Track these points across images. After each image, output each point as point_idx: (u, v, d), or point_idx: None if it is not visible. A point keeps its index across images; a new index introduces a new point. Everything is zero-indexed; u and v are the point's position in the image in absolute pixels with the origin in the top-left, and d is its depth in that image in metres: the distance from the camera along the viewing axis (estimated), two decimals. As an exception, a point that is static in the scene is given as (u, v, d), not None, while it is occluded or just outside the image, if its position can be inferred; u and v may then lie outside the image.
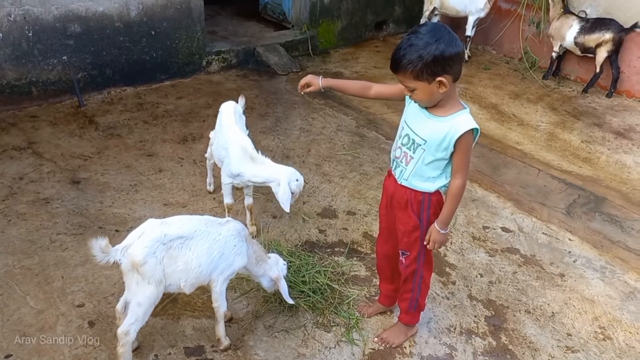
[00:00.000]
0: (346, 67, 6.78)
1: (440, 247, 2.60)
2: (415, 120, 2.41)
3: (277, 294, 3.03)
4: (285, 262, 2.90)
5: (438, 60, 2.14)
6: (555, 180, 4.65)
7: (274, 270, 2.79)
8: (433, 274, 3.37)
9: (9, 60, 4.77)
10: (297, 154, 4.67)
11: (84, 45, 5.15)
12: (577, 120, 5.80)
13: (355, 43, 7.61)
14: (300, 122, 5.25)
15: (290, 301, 2.80)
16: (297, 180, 3.14)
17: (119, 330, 2.40)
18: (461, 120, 2.30)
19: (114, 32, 5.30)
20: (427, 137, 2.36)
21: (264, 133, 4.98)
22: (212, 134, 3.68)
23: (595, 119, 5.82)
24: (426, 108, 2.37)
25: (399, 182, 2.53)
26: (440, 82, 2.19)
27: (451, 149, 2.34)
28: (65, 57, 5.04)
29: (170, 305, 2.95)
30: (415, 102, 2.34)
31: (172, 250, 2.40)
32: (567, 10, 6.43)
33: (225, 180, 3.36)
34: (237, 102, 3.69)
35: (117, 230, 3.48)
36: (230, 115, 3.42)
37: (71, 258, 3.23)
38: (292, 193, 3.11)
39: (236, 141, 3.26)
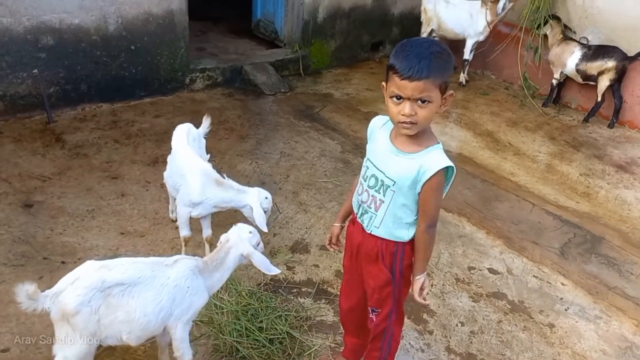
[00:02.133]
0: (337, 89, 6.51)
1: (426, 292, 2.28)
2: (382, 158, 2.11)
3: (226, 342, 2.72)
4: (250, 232, 2.52)
5: (451, 73, 1.99)
6: (550, 217, 4.33)
7: (241, 248, 2.42)
8: (408, 320, 3.07)
9: (-26, 72, 4.53)
10: (274, 180, 4.37)
11: (57, 59, 4.90)
12: (576, 151, 5.50)
13: (349, 64, 7.35)
14: (282, 146, 4.97)
15: (276, 271, 2.44)
16: (266, 198, 2.96)
17: None
18: (434, 157, 2.00)
19: (91, 46, 5.05)
20: (396, 177, 2.05)
21: (241, 156, 4.69)
22: (169, 158, 3.39)
23: (595, 151, 5.51)
24: (394, 145, 2.06)
25: (369, 231, 2.19)
26: (449, 97, 1.96)
27: (419, 189, 2.03)
28: (36, 71, 4.79)
29: (107, 352, 2.63)
30: (408, 127, 1.95)
31: (111, 299, 2.10)
32: (567, 37, 6.16)
33: (182, 210, 3.07)
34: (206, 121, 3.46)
35: (63, 262, 3.18)
36: (183, 139, 3.14)
37: (5, 293, 2.92)
38: (265, 212, 2.91)
39: (195, 166, 2.97)
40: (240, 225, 2.53)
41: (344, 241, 2.45)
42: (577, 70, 6.03)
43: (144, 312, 2.14)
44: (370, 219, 2.17)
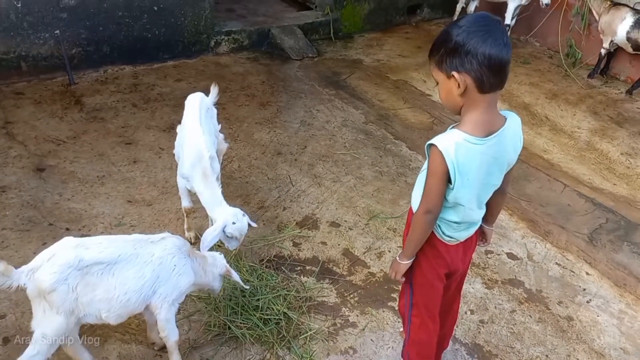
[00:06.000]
0: (368, 54, 6.25)
1: (398, 277, 2.15)
2: None
3: (220, 320, 2.66)
4: (220, 253, 2.54)
5: (460, 50, 1.71)
6: (582, 199, 4.05)
7: (219, 267, 2.46)
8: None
9: (-4, 32, 4.52)
10: (291, 151, 4.24)
11: (79, 19, 4.85)
12: (620, 127, 5.11)
13: (383, 28, 7.05)
14: (303, 114, 4.80)
15: (246, 287, 2.56)
16: (234, 223, 2.67)
17: None
18: (443, 134, 1.83)
19: (112, 6, 4.97)
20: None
21: (260, 124, 4.57)
22: (179, 129, 3.29)
23: (641, 128, 5.12)
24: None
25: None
26: (453, 79, 1.74)
27: None
28: (57, 31, 4.75)
29: (100, 326, 2.59)
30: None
31: (89, 277, 2.06)
32: (616, 2, 5.66)
33: (179, 181, 2.99)
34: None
35: (67, 229, 3.17)
36: (195, 110, 3.02)
37: (9, 258, 2.92)
38: (230, 237, 2.69)
39: (194, 143, 2.86)
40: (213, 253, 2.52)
41: None
42: (628, 39, 5.56)
43: (124, 289, 2.09)
44: None
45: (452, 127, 1.85)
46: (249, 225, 2.77)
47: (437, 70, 1.81)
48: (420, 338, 2.30)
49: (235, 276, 2.46)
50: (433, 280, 2.15)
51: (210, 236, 2.58)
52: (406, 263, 2.08)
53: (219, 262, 2.45)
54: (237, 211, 2.71)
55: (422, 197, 1.92)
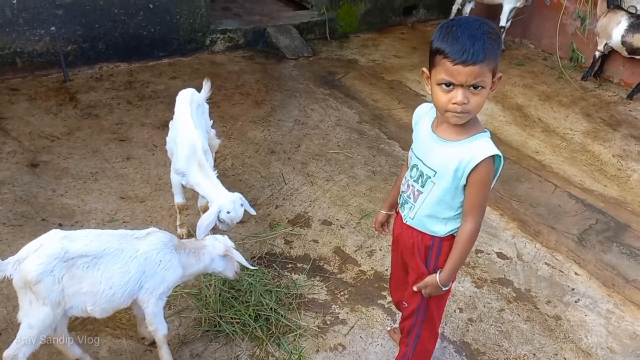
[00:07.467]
0: (363, 55, 6.28)
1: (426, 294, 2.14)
2: (423, 147, 1.96)
3: (210, 316, 2.67)
4: (223, 235, 2.51)
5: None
6: (573, 200, 4.08)
7: (217, 248, 2.41)
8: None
9: (-9, 28, 4.53)
10: (284, 149, 4.26)
11: (74, 16, 4.86)
12: (612, 130, 5.15)
13: (379, 28, 7.08)
14: (297, 113, 4.83)
15: (252, 267, 2.48)
16: (228, 212, 2.69)
17: (5, 353, 2.09)
18: (479, 145, 1.82)
19: (108, 3, 4.98)
20: (436, 167, 1.90)
21: (254, 123, 4.59)
22: (171, 124, 3.31)
23: (634, 130, 5.15)
24: (436, 133, 1.91)
25: (405, 222, 2.09)
26: (497, 80, 1.78)
27: (464, 181, 1.86)
28: (53, 28, 4.76)
29: (92, 319, 2.62)
30: (459, 116, 1.77)
31: (75, 270, 2.07)
32: (615, 5, 5.70)
33: (173, 177, 3.01)
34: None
35: (60, 225, 3.19)
36: (186, 105, 3.04)
37: (1, 252, 2.93)
38: (222, 222, 2.72)
39: (186, 136, 2.88)
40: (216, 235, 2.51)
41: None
42: (623, 42, 5.59)
43: (109, 284, 2.10)
44: (410, 209, 2.05)
45: (475, 135, 1.84)
46: (248, 212, 2.80)
47: (489, 75, 1.72)
48: (427, 349, 2.33)
49: (238, 256, 2.40)
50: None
51: (205, 222, 2.59)
52: (448, 288, 2.05)
53: (218, 245, 2.42)
54: (236, 198, 2.73)
55: (477, 213, 1.90)
